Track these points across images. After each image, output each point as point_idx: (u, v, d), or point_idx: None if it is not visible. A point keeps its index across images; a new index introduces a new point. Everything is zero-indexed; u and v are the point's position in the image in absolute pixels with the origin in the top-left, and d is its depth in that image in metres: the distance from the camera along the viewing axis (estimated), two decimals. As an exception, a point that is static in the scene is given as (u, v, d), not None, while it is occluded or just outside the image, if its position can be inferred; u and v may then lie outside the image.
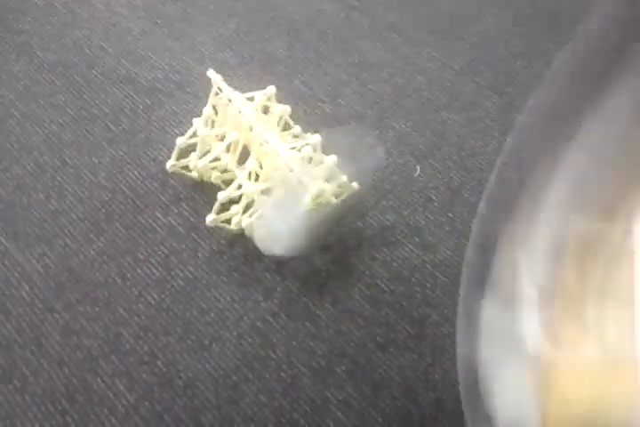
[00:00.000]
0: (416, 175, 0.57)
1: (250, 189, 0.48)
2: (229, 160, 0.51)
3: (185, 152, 0.53)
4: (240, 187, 0.49)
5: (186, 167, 0.54)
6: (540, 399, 0.31)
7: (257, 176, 0.50)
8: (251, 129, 0.49)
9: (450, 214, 0.54)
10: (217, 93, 0.52)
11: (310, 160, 0.49)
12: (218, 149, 0.50)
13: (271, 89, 0.53)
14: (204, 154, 0.52)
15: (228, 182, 0.51)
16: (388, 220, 0.54)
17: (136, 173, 0.55)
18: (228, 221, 0.50)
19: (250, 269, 0.50)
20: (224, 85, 0.51)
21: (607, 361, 0.30)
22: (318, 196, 0.46)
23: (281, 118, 0.53)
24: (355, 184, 0.50)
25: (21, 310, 0.47)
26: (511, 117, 0.61)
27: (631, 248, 0.29)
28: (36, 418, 0.42)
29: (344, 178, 0.49)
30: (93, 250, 0.50)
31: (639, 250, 0.29)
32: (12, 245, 0.51)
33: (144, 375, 0.44)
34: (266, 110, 0.54)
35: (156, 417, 0.42)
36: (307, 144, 0.49)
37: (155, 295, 0.48)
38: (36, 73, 0.63)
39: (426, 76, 0.65)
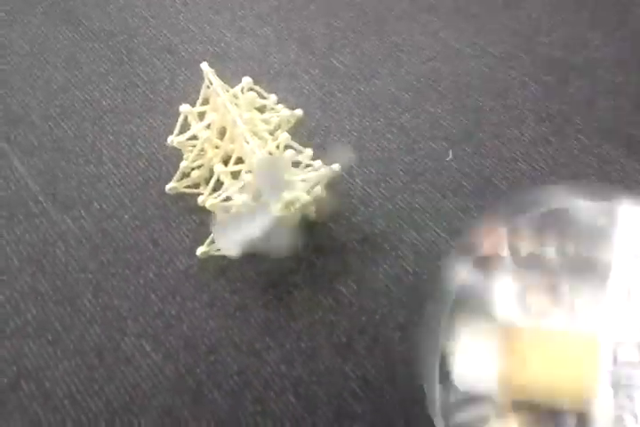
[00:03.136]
0: (448, 160, 0.57)
1: (221, 171, 0.48)
2: (214, 156, 0.51)
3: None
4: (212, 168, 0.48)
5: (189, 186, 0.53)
6: (501, 362, 0.34)
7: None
8: (236, 126, 0.49)
9: (479, 202, 0.54)
10: (208, 86, 0.52)
11: (296, 164, 0.49)
12: (203, 141, 0.50)
13: (273, 97, 0.54)
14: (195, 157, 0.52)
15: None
16: (417, 203, 0.54)
17: (172, 142, 0.56)
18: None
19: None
20: (215, 80, 0.51)
21: (572, 332, 0.33)
22: (290, 204, 0.46)
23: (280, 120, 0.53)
24: (335, 166, 0.49)
25: (56, 268, 0.49)
26: (548, 107, 0.61)
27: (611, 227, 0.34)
28: (66, 371, 0.44)
29: (318, 164, 0.49)
30: (127, 215, 0.52)
31: (618, 228, 0.34)
32: (51, 205, 0.52)
33: (170, 338, 0.46)
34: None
35: (179, 378, 0.44)
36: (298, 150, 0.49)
37: (184, 261, 0.49)
38: (81, 41, 0.64)
39: (463, 61, 0.65)
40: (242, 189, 0.48)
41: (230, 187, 0.47)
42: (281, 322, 0.47)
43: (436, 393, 0.36)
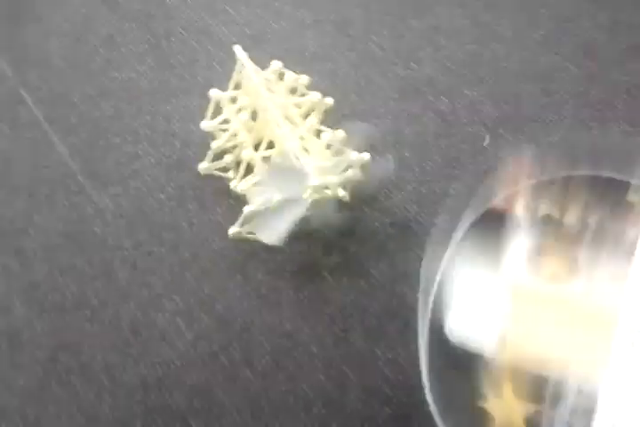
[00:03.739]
0: (485, 145, 0.56)
1: (250, 156, 0.48)
2: (246, 140, 0.50)
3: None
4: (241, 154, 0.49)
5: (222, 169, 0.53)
6: (505, 322, 0.32)
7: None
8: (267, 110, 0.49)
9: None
10: (241, 70, 0.52)
11: (330, 149, 0.48)
12: (235, 125, 0.50)
13: (304, 79, 0.53)
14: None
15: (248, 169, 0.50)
16: (451, 188, 0.53)
17: (208, 123, 0.56)
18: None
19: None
20: (249, 63, 0.51)
21: (589, 305, 0.31)
22: (320, 189, 0.46)
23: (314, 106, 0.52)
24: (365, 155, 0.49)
25: (94, 245, 0.50)
26: (589, 92, 0.59)
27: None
28: (103, 345, 0.45)
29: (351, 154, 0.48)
30: (163, 194, 0.52)
31: None
32: (89, 183, 0.53)
33: (203, 316, 0.46)
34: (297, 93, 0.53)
35: (212, 356, 0.44)
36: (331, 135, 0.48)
37: (218, 242, 0.49)
38: (119, 21, 0.65)
39: (504, 45, 0.63)
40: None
41: (261, 171, 0.48)
42: (313, 304, 0.47)
43: (424, 344, 0.33)
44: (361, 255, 0.49)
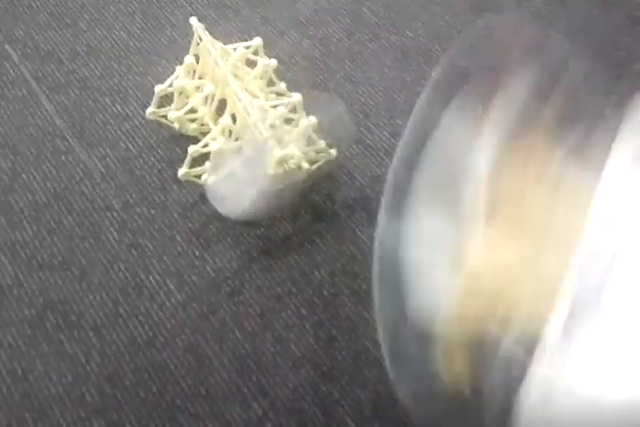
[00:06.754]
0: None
1: (220, 146, 0.46)
2: (205, 113, 0.49)
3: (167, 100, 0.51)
4: (212, 142, 0.47)
5: (165, 117, 0.51)
6: (456, 288, 0.32)
7: (230, 132, 0.48)
8: (227, 84, 0.47)
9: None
10: (198, 43, 0.50)
11: (289, 121, 0.47)
12: (194, 100, 0.49)
13: (257, 41, 0.51)
14: (182, 106, 0.50)
15: (205, 135, 0.49)
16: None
17: (199, 85, 0.55)
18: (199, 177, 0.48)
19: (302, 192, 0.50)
20: (205, 35, 0.49)
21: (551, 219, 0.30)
22: (283, 161, 0.45)
23: (265, 73, 0.51)
24: (333, 151, 0.49)
25: (82, 205, 0.49)
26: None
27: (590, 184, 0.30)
28: (91, 305, 0.45)
29: (322, 143, 0.47)
30: (153, 156, 0.51)
31: (600, 191, 0.30)
32: (77, 143, 0.52)
33: (193, 278, 0.46)
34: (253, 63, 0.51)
35: (201, 317, 0.44)
36: (288, 103, 0.47)
37: (209, 205, 0.49)
38: (107, -20, 0.63)
39: (499, 15, 0.63)
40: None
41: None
42: (303, 269, 0.47)
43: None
44: (351, 221, 0.49)
